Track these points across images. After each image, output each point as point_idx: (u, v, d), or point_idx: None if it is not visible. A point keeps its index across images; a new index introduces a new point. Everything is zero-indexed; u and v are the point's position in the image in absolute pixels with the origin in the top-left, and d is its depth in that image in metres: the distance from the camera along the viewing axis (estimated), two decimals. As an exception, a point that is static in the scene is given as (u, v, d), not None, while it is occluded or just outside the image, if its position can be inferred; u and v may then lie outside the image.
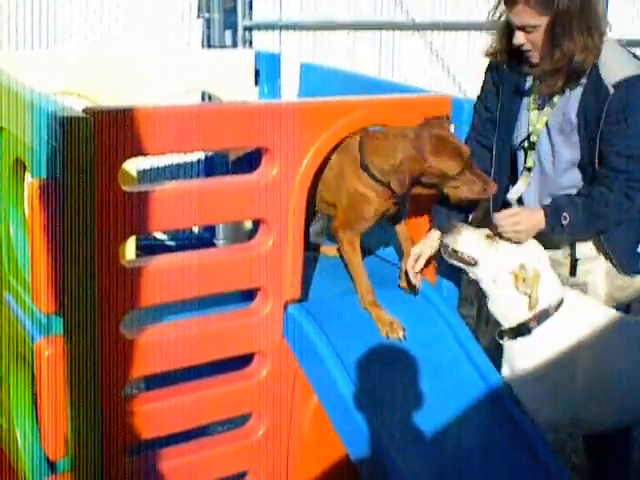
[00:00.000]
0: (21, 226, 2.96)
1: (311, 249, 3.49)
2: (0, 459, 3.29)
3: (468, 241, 3.02)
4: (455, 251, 3.03)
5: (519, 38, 2.92)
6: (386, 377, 2.96)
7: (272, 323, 2.99)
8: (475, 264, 3.00)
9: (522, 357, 3.01)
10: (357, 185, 3.03)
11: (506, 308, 3.00)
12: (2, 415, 3.30)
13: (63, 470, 2.78)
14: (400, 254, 3.31)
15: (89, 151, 2.44)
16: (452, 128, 3.25)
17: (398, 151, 2.94)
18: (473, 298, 3.86)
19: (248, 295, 3.00)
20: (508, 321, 3.01)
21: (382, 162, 2.98)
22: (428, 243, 3.19)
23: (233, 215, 2.93)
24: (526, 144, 3.13)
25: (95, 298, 2.57)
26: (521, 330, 2.98)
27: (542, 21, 2.85)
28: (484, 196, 3.03)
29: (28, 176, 2.77)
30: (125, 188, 2.60)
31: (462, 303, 3.70)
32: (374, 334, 3.08)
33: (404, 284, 3.25)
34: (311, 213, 3.24)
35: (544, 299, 2.94)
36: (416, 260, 3.17)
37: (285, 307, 3.00)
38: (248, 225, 4.29)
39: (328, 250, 3.62)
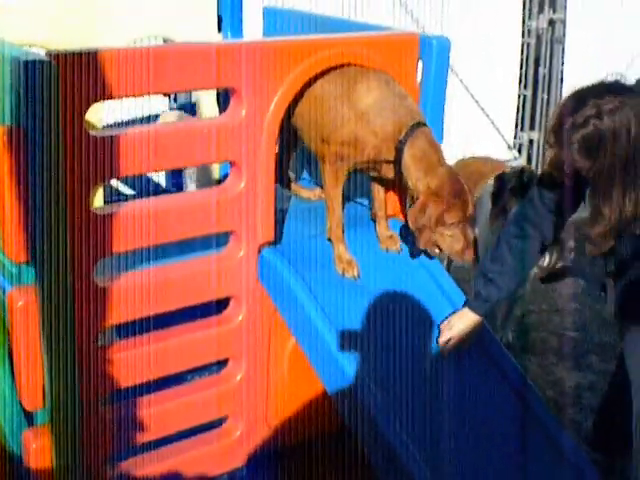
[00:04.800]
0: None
1: (284, 189, 3.48)
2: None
3: None
4: None
5: None
6: (364, 316, 2.96)
7: (246, 267, 2.97)
8: None
9: None
10: (358, 125, 2.98)
11: None
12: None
13: (41, 422, 2.76)
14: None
15: (54, 96, 2.39)
16: (420, 66, 3.23)
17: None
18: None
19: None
20: None
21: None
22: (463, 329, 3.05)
23: (203, 157, 2.89)
24: None
25: (66, 246, 2.53)
26: None
27: None
28: (458, 258, 3.04)
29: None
30: (92, 133, 2.56)
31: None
32: (348, 275, 3.08)
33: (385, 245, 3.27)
34: (286, 153, 3.21)
35: None
36: (446, 341, 3.03)
37: (259, 250, 2.98)
38: (216, 172, 4.26)
39: (301, 191, 3.60)
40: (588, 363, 4.45)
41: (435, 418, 2.80)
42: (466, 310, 3.04)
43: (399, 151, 2.95)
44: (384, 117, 2.96)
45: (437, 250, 3.05)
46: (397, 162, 2.97)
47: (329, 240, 3.11)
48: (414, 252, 3.17)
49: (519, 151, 7.46)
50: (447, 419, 2.81)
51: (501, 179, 4.26)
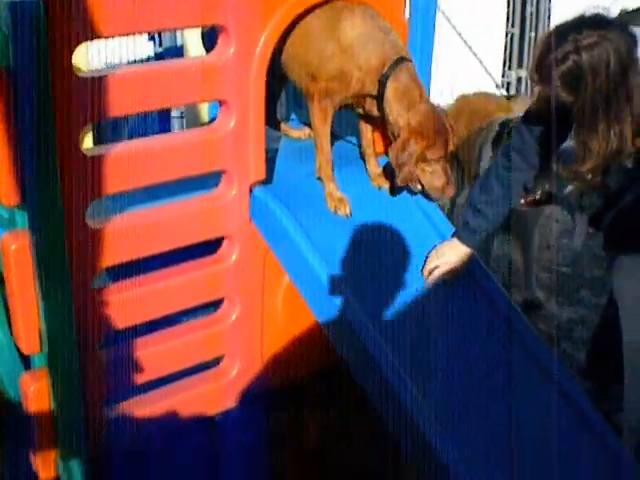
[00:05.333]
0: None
1: (273, 130, 3.47)
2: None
3: None
4: None
5: None
6: (357, 252, 2.97)
7: (239, 206, 2.97)
8: None
9: None
10: (343, 59, 2.97)
11: None
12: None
13: (38, 365, 2.77)
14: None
15: (42, 37, 2.36)
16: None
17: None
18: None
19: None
20: None
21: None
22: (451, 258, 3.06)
23: (192, 97, 2.87)
24: None
25: (58, 188, 2.52)
26: None
27: None
28: (438, 194, 3.04)
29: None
30: (80, 74, 2.53)
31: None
32: (340, 213, 3.08)
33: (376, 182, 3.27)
34: (274, 93, 3.19)
35: None
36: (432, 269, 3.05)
37: (251, 190, 2.97)
38: (205, 118, 4.24)
39: (291, 131, 3.58)
40: (579, 298, 4.50)
41: (427, 347, 2.82)
42: (455, 241, 3.05)
43: (382, 85, 2.95)
44: (368, 50, 2.95)
45: (419, 186, 3.05)
46: (380, 97, 2.97)
47: (319, 179, 3.11)
48: (396, 188, 3.17)
49: (507, 89, 7.44)
50: (439, 348, 2.83)
51: (505, 125, 4.24)
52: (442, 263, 3.00)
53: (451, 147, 3.00)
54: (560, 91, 2.67)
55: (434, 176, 2.99)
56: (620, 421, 3.20)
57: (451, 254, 3.02)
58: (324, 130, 3.07)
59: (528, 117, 3.04)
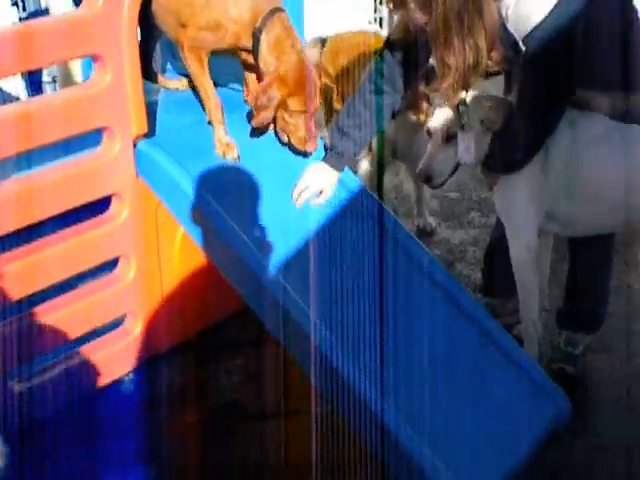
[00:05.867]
0: None
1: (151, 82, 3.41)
2: None
3: None
4: None
5: None
6: (247, 196, 2.97)
7: (123, 162, 2.92)
8: None
9: None
10: (217, 11, 2.93)
11: None
12: None
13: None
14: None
15: None
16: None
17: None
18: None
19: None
20: None
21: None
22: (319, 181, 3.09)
23: (63, 53, 2.79)
24: None
25: None
26: None
27: None
28: (300, 147, 3.05)
29: None
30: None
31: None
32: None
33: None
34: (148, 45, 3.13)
35: None
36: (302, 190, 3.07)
37: (134, 144, 2.92)
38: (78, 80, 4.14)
39: (168, 82, 3.53)
40: (469, 219, 4.60)
41: (324, 274, 2.83)
42: (323, 164, 3.09)
43: (256, 39, 2.95)
44: (241, 3, 2.93)
45: (285, 138, 3.08)
46: (254, 49, 2.97)
47: (209, 123, 3.08)
48: (253, 132, 3.18)
49: (380, 25, 7.46)
50: (335, 275, 2.85)
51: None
52: (310, 185, 3.05)
53: (316, 104, 3.01)
54: (414, 13, 2.74)
55: (296, 128, 3.02)
56: (520, 333, 3.31)
57: (319, 177, 3.07)
58: (204, 78, 3.04)
59: (390, 43, 3.11)
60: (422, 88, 3.00)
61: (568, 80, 2.94)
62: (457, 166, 3.19)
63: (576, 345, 3.45)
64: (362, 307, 2.79)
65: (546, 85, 2.93)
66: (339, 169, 3.10)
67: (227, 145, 3.05)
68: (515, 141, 3.05)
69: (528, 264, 3.19)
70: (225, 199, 2.87)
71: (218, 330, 3.44)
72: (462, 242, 4.35)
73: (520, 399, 2.88)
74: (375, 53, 4.15)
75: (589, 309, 3.44)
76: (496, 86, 3.16)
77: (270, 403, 3.12)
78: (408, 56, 3.03)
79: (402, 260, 3.03)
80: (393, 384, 2.64)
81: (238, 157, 3.05)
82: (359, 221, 3.08)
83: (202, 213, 2.86)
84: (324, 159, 3.10)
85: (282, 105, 2.96)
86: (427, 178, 3.21)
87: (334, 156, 3.09)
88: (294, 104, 2.97)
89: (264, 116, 2.96)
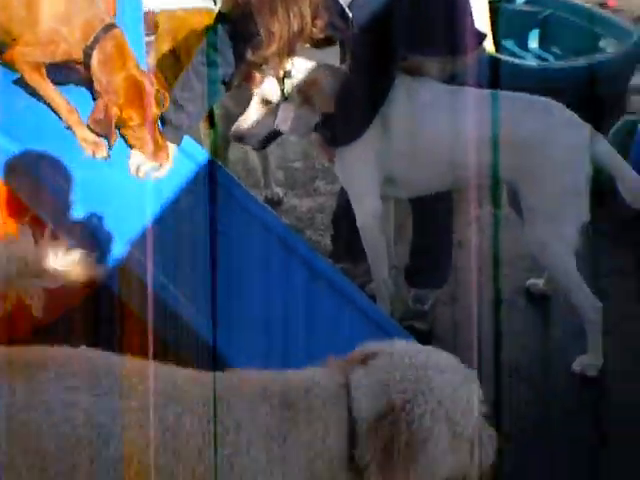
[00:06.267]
0: None
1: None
2: None
3: None
4: None
5: None
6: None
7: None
8: None
9: None
10: (51, 30, 2.89)
11: None
12: None
13: None
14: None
15: None
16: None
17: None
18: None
19: None
20: None
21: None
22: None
23: None
24: None
25: None
26: None
27: None
28: (153, 161, 3.04)
29: None
30: None
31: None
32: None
33: None
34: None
35: None
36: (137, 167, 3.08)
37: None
38: None
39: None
40: (315, 187, 4.71)
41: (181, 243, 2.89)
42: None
43: (87, 56, 2.94)
44: (72, 21, 2.90)
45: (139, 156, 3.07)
46: (86, 66, 2.96)
47: (68, 128, 3.04)
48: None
49: (215, 2, 7.44)
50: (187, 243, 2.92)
51: None
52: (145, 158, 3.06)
53: (155, 111, 3.01)
54: None
55: (142, 142, 3.01)
56: (372, 291, 3.44)
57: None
58: (46, 88, 2.99)
59: (220, 16, 3.17)
60: (250, 56, 3.06)
61: (397, 46, 3.06)
62: (277, 133, 3.30)
63: (424, 301, 3.62)
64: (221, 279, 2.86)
65: (376, 52, 3.03)
66: (176, 142, 3.12)
67: (94, 144, 3.02)
68: (351, 110, 3.16)
69: (374, 229, 3.31)
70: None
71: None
72: (309, 209, 4.46)
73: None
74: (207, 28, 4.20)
75: (433, 265, 3.62)
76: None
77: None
78: (238, 28, 3.08)
79: (272, 240, 3.11)
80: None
81: (109, 155, 3.03)
82: (207, 192, 3.13)
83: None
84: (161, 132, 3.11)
85: (121, 122, 2.96)
86: (238, 137, 3.35)
87: (170, 129, 3.11)
88: (133, 119, 2.96)
89: (104, 135, 2.97)
